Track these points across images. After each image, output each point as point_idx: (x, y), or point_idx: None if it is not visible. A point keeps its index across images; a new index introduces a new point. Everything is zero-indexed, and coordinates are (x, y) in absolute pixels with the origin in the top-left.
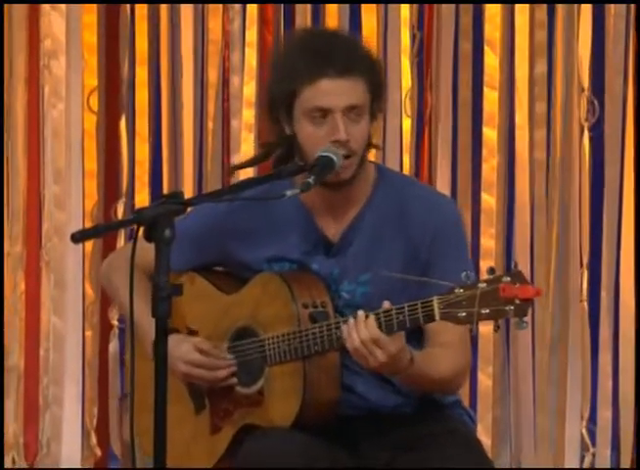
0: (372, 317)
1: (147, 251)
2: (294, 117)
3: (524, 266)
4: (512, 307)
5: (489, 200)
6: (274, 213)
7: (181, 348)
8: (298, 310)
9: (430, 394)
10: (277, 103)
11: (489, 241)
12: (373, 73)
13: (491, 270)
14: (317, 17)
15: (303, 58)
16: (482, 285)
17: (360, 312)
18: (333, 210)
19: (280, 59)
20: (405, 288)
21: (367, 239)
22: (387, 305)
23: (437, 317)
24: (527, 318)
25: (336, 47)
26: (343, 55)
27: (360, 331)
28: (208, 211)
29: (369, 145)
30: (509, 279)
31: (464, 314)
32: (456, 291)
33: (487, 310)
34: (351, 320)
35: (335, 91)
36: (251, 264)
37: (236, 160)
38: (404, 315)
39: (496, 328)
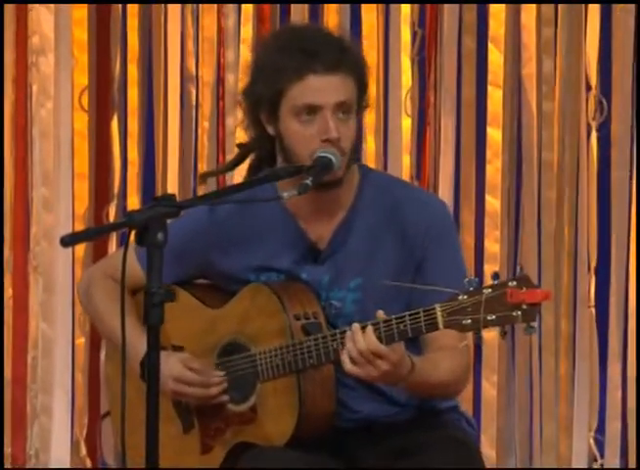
0: (370, 328)
1: (130, 267)
2: (279, 117)
3: (530, 271)
4: (519, 313)
5: (494, 202)
6: (257, 221)
7: (169, 364)
8: (290, 322)
9: (430, 399)
10: (260, 103)
11: (494, 245)
12: (359, 69)
13: (495, 275)
14: (315, 13)
15: (289, 55)
16: (487, 291)
17: (355, 325)
18: (319, 213)
19: (263, 57)
20: (399, 293)
21: (357, 241)
22: (380, 314)
23: (441, 325)
24: (535, 323)
25: (322, 43)
26: (330, 50)
27: (358, 342)
28: (189, 222)
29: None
30: (515, 284)
31: (469, 321)
32: (459, 298)
33: (494, 317)
34: (349, 333)
35: (324, 87)
36: (235, 275)
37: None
38: (405, 325)
39: (503, 334)
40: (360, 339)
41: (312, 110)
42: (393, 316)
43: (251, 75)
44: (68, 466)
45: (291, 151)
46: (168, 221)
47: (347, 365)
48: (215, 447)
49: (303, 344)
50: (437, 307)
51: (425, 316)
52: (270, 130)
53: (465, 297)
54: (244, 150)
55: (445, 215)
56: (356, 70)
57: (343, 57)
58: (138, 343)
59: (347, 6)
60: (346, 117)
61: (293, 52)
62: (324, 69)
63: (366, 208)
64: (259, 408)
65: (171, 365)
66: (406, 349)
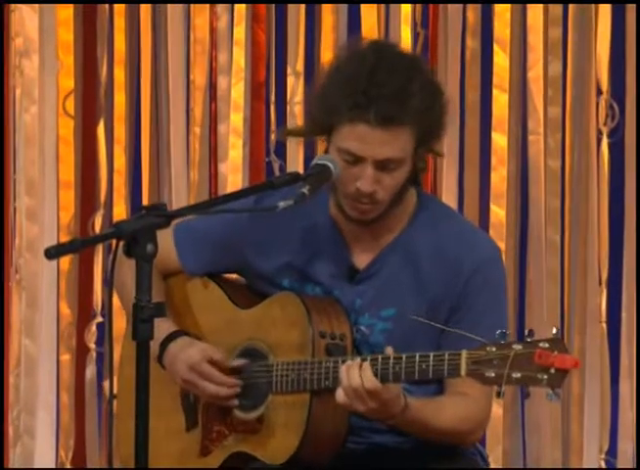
0: (367, 365)
1: (164, 249)
2: (331, 142)
3: (536, 285)
4: (545, 376)
5: (499, 212)
6: (302, 225)
7: (188, 351)
8: (314, 339)
9: (433, 441)
10: (317, 124)
11: None
12: (424, 120)
13: (530, 333)
14: (312, 13)
15: (347, 94)
16: (517, 347)
17: (366, 363)
18: (365, 233)
19: (326, 81)
20: (429, 332)
21: (398, 270)
22: (389, 350)
23: (463, 372)
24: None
25: (387, 87)
26: (392, 100)
27: (353, 379)
28: (231, 215)
29: (411, 182)
30: (547, 345)
31: (492, 375)
32: (488, 348)
33: (519, 375)
34: (346, 365)
35: (371, 140)
36: (269, 277)
37: (224, 167)
38: (428, 364)
39: (526, 395)
40: (357, 374)
41: (355, 157)
42: (418, 354)
43: (313, 92)
44: None
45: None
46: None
47: (340, 397)
48: (214, 452)
49: (322, 364)
50: (464, 354)
51: (449, 360)
52: (327, 145)
53: (494, 349)
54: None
55: (494, 261)
56: (420, 122)
57: (404, 109)
58: (163, 324)
59: (345, 6)
60: (394, 169)
61: (353, 91)
62: (377, 121)
63: (412, 238)
64: (266, 420)
65: (191, 352)
66: (425, 385)
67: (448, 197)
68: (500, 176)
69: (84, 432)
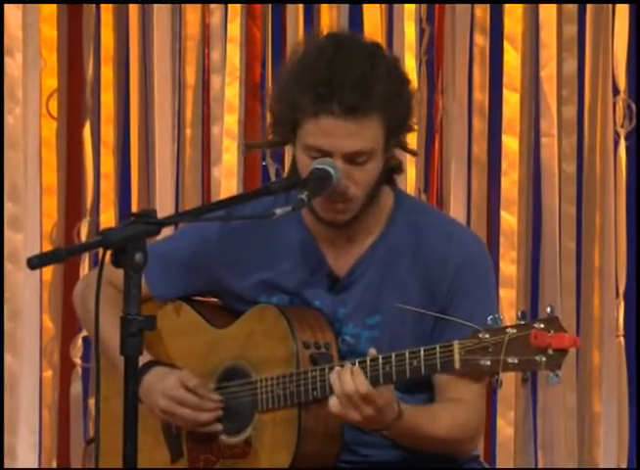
0: (358, 369)
1: None
2: (296, 141)
3: (550, 296)
4: (544, 358)
5: (510, 219)
6: (274, 238)
7: (165, 381)
8: (298, 350)
9: (430, 452)
10: (281, 122)
11: (510, 267)
12: (392, 107)
13: (522, 314)
14: (310, 10)
15: (310, 85)
16: (512, 330)
17: (356, 367)
18: (342, 239)
19: (286, 77)
20: (419, 335)
21: (380, 275)
22: (373, 352)
23: (457, 365)
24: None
25: (349, 76)
26: (356, 88)
27: (347, 384)
28: (198, 233)
29: (387, 176)
30: (542, 326)
31: (488, 363)
32: (480, 335)
33: (516, 360)
34: (336, 370)
35: (338, 133)
36: (245, 294)
37: (217, 171)
38: (419, 361)
39: (524, 381)
40: (349, 380)
41: (322, 153)
42: (407, 350)
43: (275, 91)
44: None
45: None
46: (166, 230)
47: (334, 406)
48: None
49: (308, 374)
50: (456, 344)
51: (441, 353)
52: (292, 147)
53: (487, 335)
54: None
55: (479, 255)
56: (386, 110)
57: (369, 97)
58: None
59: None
60: (365, 162)
61: (314, 83)
62: (342, 111)
63: (393, 239)
64: (254, 442)
65: (166, 381)
66: (419, 393)
67: (456, 203)
68: (511, 181)
69: (68, 452)
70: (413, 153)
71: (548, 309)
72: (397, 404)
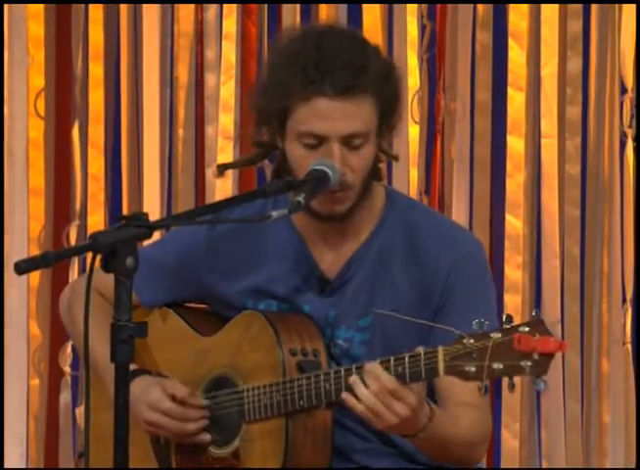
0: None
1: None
2: (286, 133)
3: (554, 302)
4: (529, 363)
5: (515, 223)
6: (261, 241)
7: (150, 392)
8: (284, 358)
9: (449, 462)
10: (268, 116)
11: (515, 272)
12: (384, 88)
13: (508, 318)
14: (308, 8)
15: (299, 70)
16: (496, 335)
17: (370, 365)
18: (332, 239)
19: (272, 67)
20: (412, 338)
21: (371, 275)
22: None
23: (442, 372)
24: (547, 377)
25: (338, 57)
26: (347, 67)
27: (371, 385)
28: (185, 237)
29: (376, 169)
30: (527, 329)
31: (473, 369)
32: (465, 341)
33: (500, 366)
34: (354, 377)
35: (333, 115)
36: (232, 300)
37: (211, 173)
38: (404, 367)
39: (510, 387)
40: (373, 381)
41: (318, 138)
42: (392, 357)
43: (261, 83)
44: None
45: (293, 173)
46: (156, 234)
47: (360, 409)
48: None
49: (294, 382)
50: (440, 350)
51: (425, 359)
52: (279, 142)
53: (471, 341)
54: (263, 149)
55: (474, 254)
56: (380, 90)
57: (362, 76)
58: None
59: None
60: (360, 145)
61: (303, 66)
62: (335, 92)
63: (384, 239)
64: (243, 453)
65: (151, 392)
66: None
67: (458, 206)
68: (516, 183)
69: (57, 464)
70: (395, 158)
71: (533, 313)
72: (428, 403)
